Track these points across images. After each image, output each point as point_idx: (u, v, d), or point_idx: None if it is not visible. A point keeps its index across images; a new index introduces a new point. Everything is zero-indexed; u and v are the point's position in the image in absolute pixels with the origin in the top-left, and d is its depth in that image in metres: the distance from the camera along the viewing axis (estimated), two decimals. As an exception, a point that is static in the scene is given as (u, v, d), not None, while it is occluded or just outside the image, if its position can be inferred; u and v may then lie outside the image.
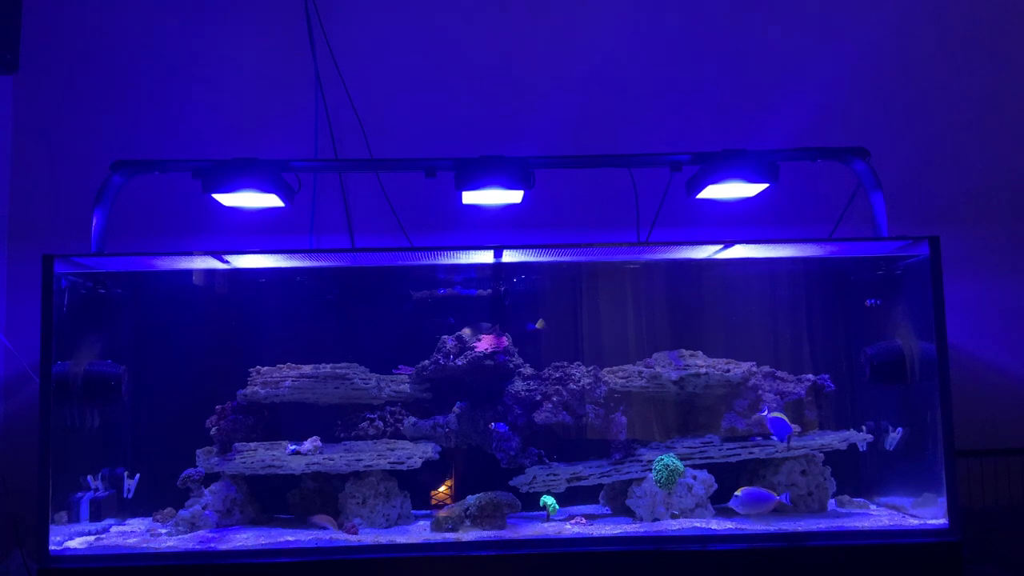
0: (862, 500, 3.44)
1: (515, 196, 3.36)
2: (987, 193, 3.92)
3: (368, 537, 3.03)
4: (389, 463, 3.20)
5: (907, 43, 3.97)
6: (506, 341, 3.38)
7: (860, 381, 3.41)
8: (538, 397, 3.30)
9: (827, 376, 3.47)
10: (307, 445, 3.29)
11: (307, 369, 3.41)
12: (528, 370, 3.40)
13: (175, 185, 3.54)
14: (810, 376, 3.47)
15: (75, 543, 3.03)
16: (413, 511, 3.33)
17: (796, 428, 3.25)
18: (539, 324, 3.42)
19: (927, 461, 3.10)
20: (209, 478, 3.29)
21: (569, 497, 3.31)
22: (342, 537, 3.04)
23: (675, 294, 3.64)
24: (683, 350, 3.43)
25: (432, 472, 3.34)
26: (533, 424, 3.28)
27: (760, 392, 3.34)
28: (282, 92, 3.90)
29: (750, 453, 3.25)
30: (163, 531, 3.16)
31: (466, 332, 3.38)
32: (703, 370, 3.32)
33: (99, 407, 3.27)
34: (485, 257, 3.34)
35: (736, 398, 3.34)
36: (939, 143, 3.93)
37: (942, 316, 3.01)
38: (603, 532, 3.05)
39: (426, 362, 3.40)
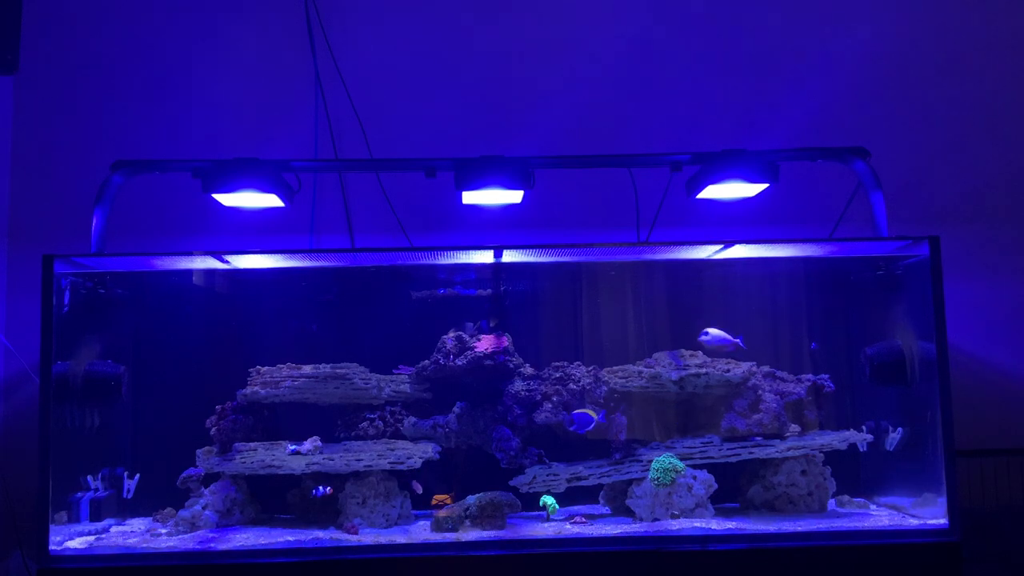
0: (862, 500, 3.44)
1: (515, 196, 3.36)
2: (987, 193, 3.92)
3: (368, 537, 3.03)
4: (389, 463, 3.20)
5: (908, 43, 3.97)
6: (506, 341, 3.38)
7: (860, 381, 3.41)
8: (538, 397, 3.31)
9: (827, 376, 3.47)
10: (307, 445, 3.29)
11: (307, 369, 3.41)
12: (528, 370, 3.41)
13: (175, 185, 3.54)
14: (810, 376, 3.48)
15: (75, 543, 3.03)
16: (413, 511, 3.33)
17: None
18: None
19: (927, 461, 3.10)
20: (209, 478, 3.29)
21: (569, 497, 3.31)
22: (342, 537, 3.04)
23: (675, 294, 3.64)
24: (683, 350, 3.43)
25: (432, 472, 3.34)
26: (533, 424, 3.28)
27: (760, 392, 3.35)
28: (282, 92, 3.90)
29: (750, 453, 3.25)
30: (163, 531, 3.16)
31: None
32: (703, 370, 3.32)
33: (99, 407, 3.27)
34: (485, 257, 3.34)
35: (736, 398, 3.34)
36: (939, 143, 3.93)
37: (942, 316, 3.01)
38: (603, 532, 3.05)
39: (426, 362, 3.41)
